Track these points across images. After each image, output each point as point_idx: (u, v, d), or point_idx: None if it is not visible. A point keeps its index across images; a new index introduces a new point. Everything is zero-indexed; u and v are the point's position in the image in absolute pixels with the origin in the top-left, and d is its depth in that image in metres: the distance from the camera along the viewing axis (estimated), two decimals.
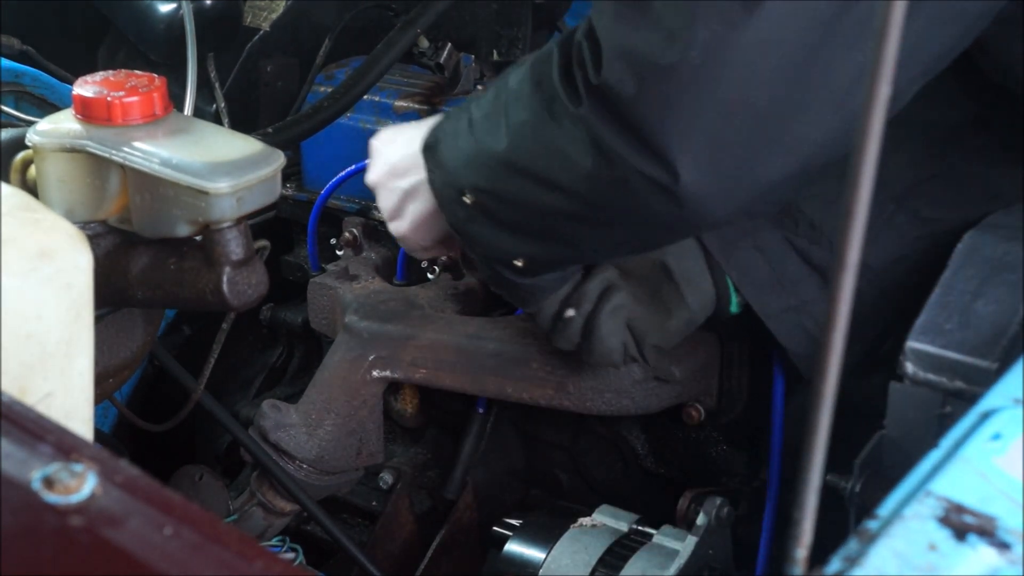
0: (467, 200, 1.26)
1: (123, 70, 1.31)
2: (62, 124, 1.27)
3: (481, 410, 1.76)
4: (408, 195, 1.40)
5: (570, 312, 1.42)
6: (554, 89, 1.14)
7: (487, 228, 1.27)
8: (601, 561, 1.53)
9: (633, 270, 1.43)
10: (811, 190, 1.34)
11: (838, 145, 1.10)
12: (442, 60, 1.88)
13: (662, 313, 1.42)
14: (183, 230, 1.25)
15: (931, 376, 1.13)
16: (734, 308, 1.43)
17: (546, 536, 1.60)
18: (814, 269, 1.37)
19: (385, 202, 1.44)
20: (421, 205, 1.39)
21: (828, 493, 0.97)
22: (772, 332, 1.40)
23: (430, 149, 1.32)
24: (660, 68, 1.05)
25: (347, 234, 1.84)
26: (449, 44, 1.88)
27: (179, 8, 2.02)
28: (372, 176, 1.46)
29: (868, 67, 1.03)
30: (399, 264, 1.78)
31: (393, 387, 1.74)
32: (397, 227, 1.44)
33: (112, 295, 1.30)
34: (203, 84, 1.92)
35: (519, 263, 1.29)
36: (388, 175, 1.43)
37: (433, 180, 1.32)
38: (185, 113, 1.54)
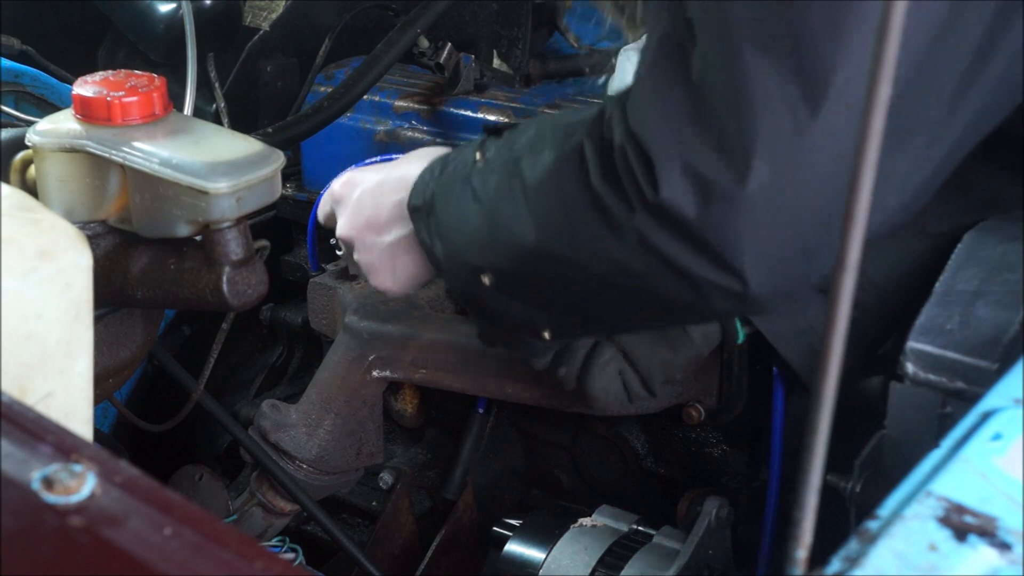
0: (486, 280, 1.21)
1: (123, 70, 1.31)
2: (62, 124, 1.27)
3: (481, 410, 1.76)
4: (393, 251, 1.35)
5: (562, 371, 1.42)
6: (598, 193, 1.08)
7: (510, 303, 1.23)
8: (601, 561, 1.53)
9: None
10: None
11: (890, 225, 1.10)
12: (442, 60, 1.88)
13: (667, 351, 1.42)
14: (183, 230, 1.25)
15: (931, 376, 1.12)
16: (741, 338, 1.43)
17: (546, 536, 1.60)
18: (821, 290, 1.37)
19: (364, 257, 1.39)
20: (410, 260, 1.34)
21: (828, 493, 0.97)
22: (783, 355, 1.38)
23: (421, 212, 1.26)
24: (727, 191, 1.00)
25: None
26: (449, 44, 1.88)
27: (179, 8, 2.02)
28: (344, 230, 1.39)
29: (922, 154, 1.04)
30: None
31: (393, 387, 1.74)
32: (381, 282, 1.39)
33: (112, 295, 1.30)
34: (203, 84, 1.92)
35: (547, 334, 1.24)
36: (364, 229, 1.37)
37: (431, 246, 1.27)
38: (185, 113, 1.54)
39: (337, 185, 1.42)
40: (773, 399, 1.52)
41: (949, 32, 1.00)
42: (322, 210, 1.46)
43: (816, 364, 1.38)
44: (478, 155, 1.23)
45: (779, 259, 1.05)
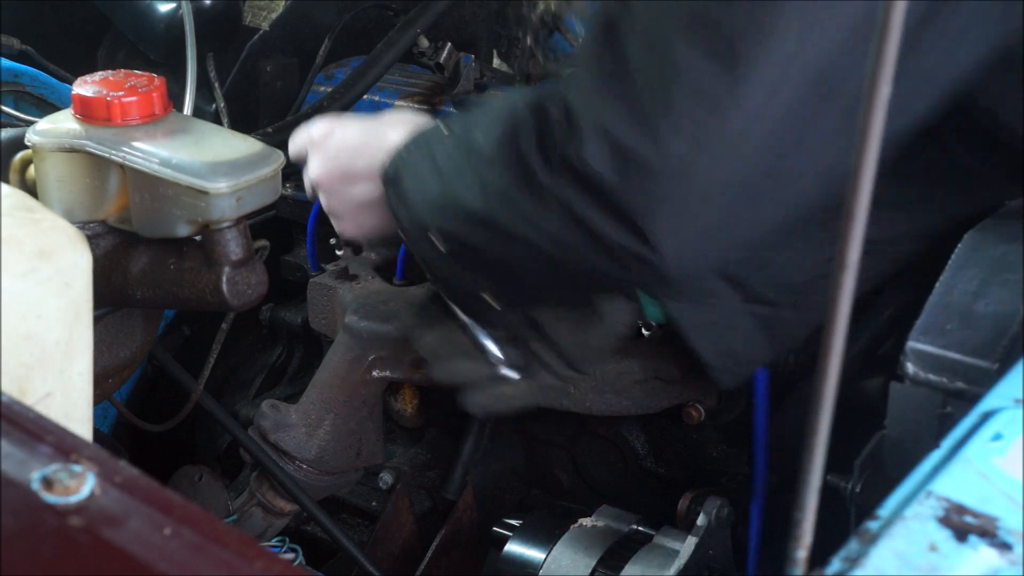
0: (435, 240, 1.25)
1: (123, 70, 1.31)
2: (61, 124, 1.27)
3: None
4: (361, 207, 1.37)
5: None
6: (529, 160, 1.14)
7: (455, 267, 1.27)
8: (601, 561, 1.53)
9: None
10: None
11: (818, 208, 1.11)
12: (442, 60, 1.88)
13: (584, 328, 1.42)
14: (183, 230, 1.25)
15: (932, 376, 1.12)
16: (654, 315, 1.43)
17: (546, 536, 1.60)
18: (734, 285, 1.38)
19: (330, 202, 1.41)
20: (376, 218, 1.37)
21: (828, 493, 0.97)
22: (692, 346, 1.40)
23: (392, 181, 1.30)
24: (644, 161, 1.05)
25: None
26: (449, 44, 1.88)
27: (179, 8, 2.02)
28: (316, 174, 1.41)
29: (851, 148, 1.06)
30: (399, 264, 1.78)
31: (393, 387, 1.74)
32: (340, 226, 1.43)
33: (112, 295, 1.30)
34: (203, 84, 1.92)
35: (487, 296, 1.29)
36: (338, 179, 1.39)
37: (397, 213, 1.30)
38: (185, 113, 1.54)
39: (316, 130, 1.42)
40: (755, 391, 1.53)
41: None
42: (294, 146, 1.45)
43: (727, 363, 1.41)
44: (444, 129, 1.27)
45: (694, 233, 1.08)
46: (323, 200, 1.43)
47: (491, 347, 1.41)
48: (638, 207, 1.07)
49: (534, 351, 1.42)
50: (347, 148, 1.39)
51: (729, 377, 1.42)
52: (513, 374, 1.42)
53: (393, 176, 1.30)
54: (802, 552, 0.66)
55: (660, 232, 1.07)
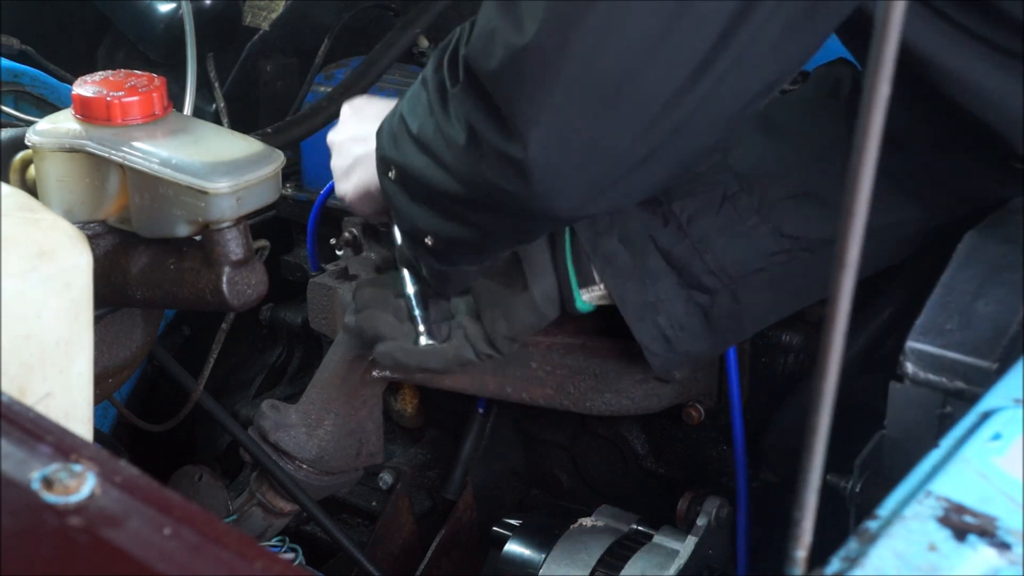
0: (391, 175, 1.31)
1: (123, 70, 1.31)
2: (61, 124, 1.27)
3: (481, 410, 1.76)
4: (357, 162, 1.45)
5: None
6: (444, 75, 1.20)
7: (405, 201, 1.31)
8: (601, 561, 1.53)
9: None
10: (683, 191, 1.38)
11: (694, 132, 1.13)
12: None
13: (510, 305, 1.44)
14: (183, 230, 1.25)
15: (931, 376, 1.12)
16: (579, 304, 1.43)
17: (546, 536, 1.60)
18: (673, 268, 1.39)
19: (337, 161, 1.49)
20: (364, 175, 1.43)
21: (828, 493, 0.97)
22: (628, 325, 1.41)
23: (379, 129, 1.37)
24: (513, 47, 1.08)
25: (347, 234, 1.83)
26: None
27: (179, 8, 2.02)
28: (334, 135, 1.51)
29: (717, 55, 1.07)
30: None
31: (393, 387, 1.74)
32: (341, 188, 1.50)
33: (112, 295, 1.30)
34: (203, 84, 1.92)
35: (429, 241, 1.32)
36: (348, 139, 1.48)
37: (376, 155, 1.37)
38: (185, 113, 1.54)
39: (348, 105, 1.53)
40: (728, 377, 1.53)
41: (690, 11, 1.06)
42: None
43: (663, 347, 1.42)
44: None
45: (559, 125, 1.10)
46: (332, 161, 1.51)
47: (419, 316, 1.46)
48: (507, 92, 1.11)
49: (460, 323, 1.46)
50: (363, 114, 1.48)
51: (663, 362, 1.43)
52: (428, 340, 1.46)
53: (381, 124, 1.36)
54: (802, 552, 0.66)
55: (522, 120, 1.10)
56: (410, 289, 1.47)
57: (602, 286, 1.41)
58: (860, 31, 1.22)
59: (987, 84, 1.20)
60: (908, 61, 1.17)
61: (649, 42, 1.07)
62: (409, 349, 1.47)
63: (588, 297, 1.42)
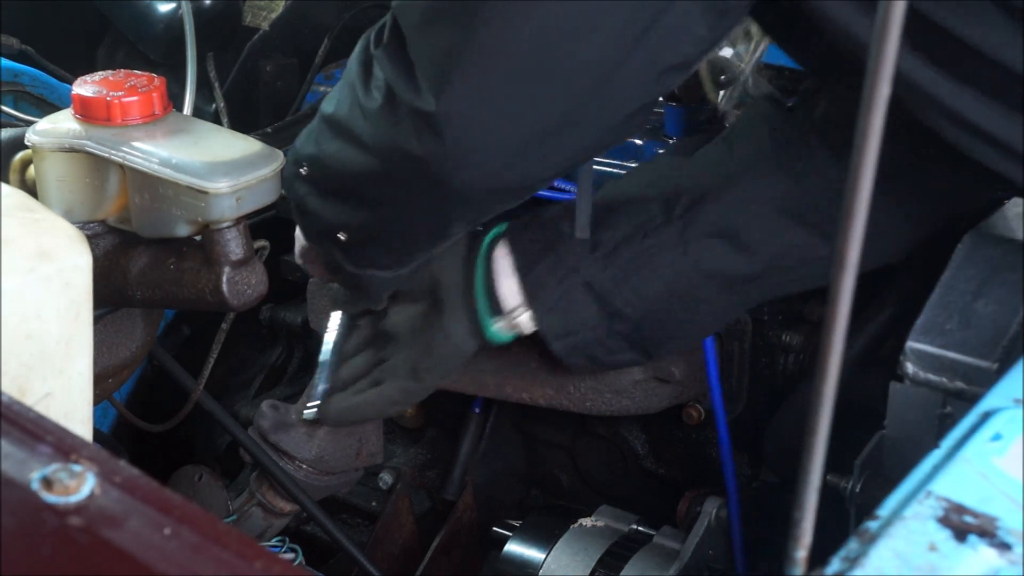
0: (302, 172, 1.31)
1: (122, 70, 1.31)
2: (61, 124, 1.27)
3: (477, 410, 1.76)
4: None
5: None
6: (368, 39, 1.21)
7: (316, 198, 1.31)
8: (601, 561, 1.53)
9: (410, 292, 1.47)
10: (613, 220, 1.39)
11: (618, 104, 1.13)
12: None
13: (430, 339, 1.45)
14: (183, 230, 1.25)
15: (931, 376, 1.13)
16: (490, 334, 1.44)
17: (546, 536, 1.60)
18: (595, 297, 1.40)
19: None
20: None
21: (828, 493, 0.97)
22: (555, 353, 1.43)
23: (290, 151, 1.37)
24: (432, 11, 1.10)
25: None
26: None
27: (179, 8, 2.01)
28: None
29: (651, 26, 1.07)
30: None
31: None
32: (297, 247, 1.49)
33: (111, 295, 1.30)
34: (203, 84, 1.92)
35: (342, 236, 1.31)
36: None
37: (287, 163, 1.36)
38: (184, 113, 1.54)
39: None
40: (707, 370, 1.55)
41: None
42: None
43: (590, 371, 1.44)
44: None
45: (476, 84, 1.10)
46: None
47: (318, 391, 1.53)
48: (423, 46, 1.12)
49: (383, 358, 1.47)
50: None
51: (584, 370, 1.48)
52: (310, 413, 1.52)
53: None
54: (802, 552, 0.66)
55: (435, 74, 1.10)
56: (323, 357, 1.52)
57: (515, 314, 1.42)
58: (793, 28, 1.23)
59: (986, 127, 1.19)
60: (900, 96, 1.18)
61: (582, 15, 1.07)
62: (345, 406, 1.50)
63: (499, 327, 1.43)
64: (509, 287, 1.42)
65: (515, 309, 1.42)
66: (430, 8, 1.11)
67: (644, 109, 1.18)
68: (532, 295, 1.41)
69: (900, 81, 1.15)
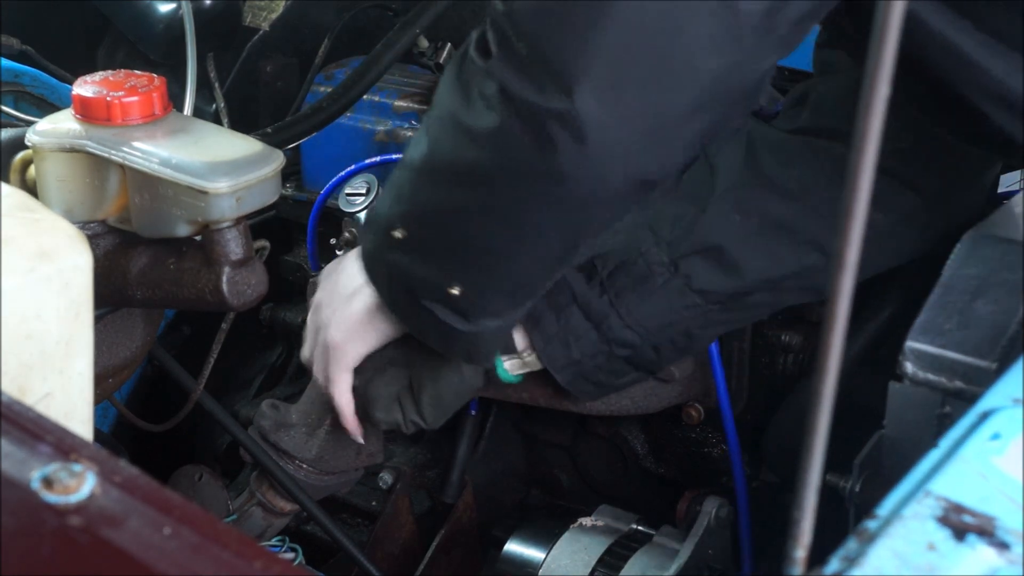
0: (397, 235, 1.26)
1: (123, 70, 1.31)
2: (61, 124, 1.27)
3: (473, 411, 1.76)
4: (355, 292, 1.39)
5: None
6: (469, 61, 1.15)
7: (417, 261, 1.27)
8: (601, 561, 1.53)
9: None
10: (606, 245, 1.38)
11: (740, 73, 1.10)
12: (442, 60, 1.88)
13: (438, 372, 1.44)
14: (183, 230, 1.25)
15: (930, 376, 1.13)
16: (500, 372, 1.44)
17: (546, 536, 1.60)
18: (593, 324, 1.40)
19: (326, 312, 1.42)
20: (366, 297, 1.38)
21: (827, 492, 0.97)
22: (561, 383, 1.44)
23: (366, 221, 1.35)
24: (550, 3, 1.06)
25: (346, 234, 1.84)
26: (449, 44, 1.88)
27: (179, 8, 2.01)
28: (317, 297, 1.45)
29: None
30: None
31: None
32: (329, 336, 1.42)
33: (111, 295, 1.30)
34: (203, 84, 1.92)
35: (455, 291, 1.26)
36: (331, 287, 1.41)
37: (365, 247, 1.32)
38: (185, 113, 1.54)
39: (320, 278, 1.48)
40: (712, 371, 1.55)
41: None
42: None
43: (596, 397, 1.46)
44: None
45: (607, 73, 1.06)
46: (308, 335, 1.47)
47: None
48: (554, 45, 1.07)
49: (400, 401, 1.45)
50: (336, 270, 1.42)
51: (591, 398, 1.50)
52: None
53: (368, 215, 1.34)
54: (801, 551, 0.66)
55: (572, 71, 1.05)
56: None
57: (524, 354, 1.42)
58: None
59: (992, 73, 1.19)
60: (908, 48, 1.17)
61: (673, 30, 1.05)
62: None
63: (509, 365, 1.43)
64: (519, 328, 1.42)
65: (526, 349, 1.43)
66: (547, 6, 1.07)
67: (771, 69, 1.15)
68: (532, 326, 1.41)
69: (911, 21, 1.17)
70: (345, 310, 1.40)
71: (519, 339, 1.43)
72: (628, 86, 1.08)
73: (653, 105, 1.09)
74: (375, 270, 1.34)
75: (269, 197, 1.28)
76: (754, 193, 1.38)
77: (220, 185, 1.21)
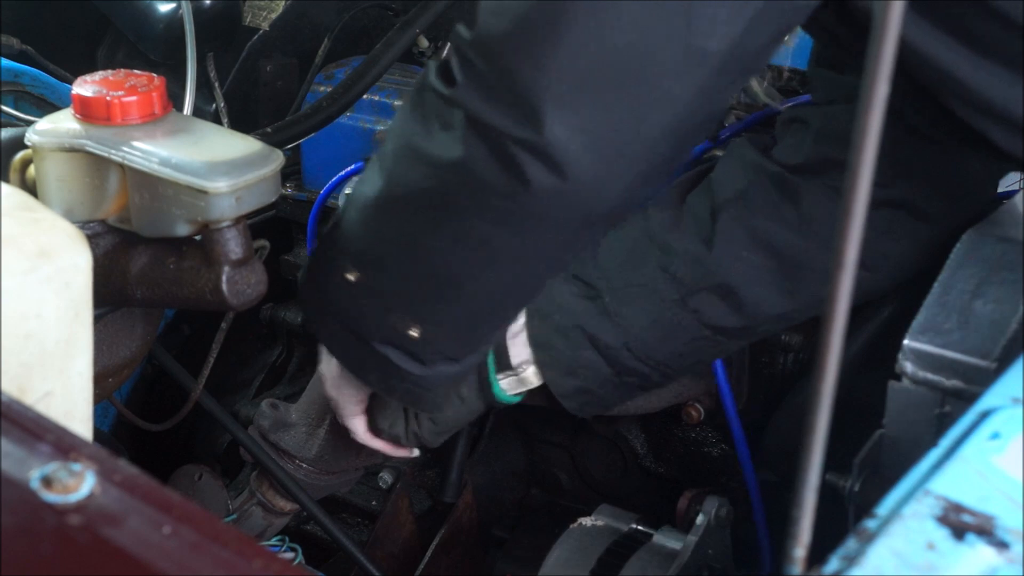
0: (350, 277, 1.24)
1: (122, 70, 1.31)
2: (61, 124, 1.27)
3: None
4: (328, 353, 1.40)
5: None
6: (429, 91, 1.12)
7: (373, 303, 1.25)
8: (601, 561, 1.53)
9: None
10: (613, 277, 1.38)
11: (708, 99, 1.09)
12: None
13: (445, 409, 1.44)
14: (182, 229, 1.25)
15: (930, 375, 1.13)
16: (496, 391, 1.44)
17: (546, 536, 1.59)
18: (602, 356, 1.40)
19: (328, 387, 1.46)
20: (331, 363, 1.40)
21: (827, 492, 0.97)
22: (568, 410, 1.45)
23: (307, 268, 1.33)
24: (523, 16, 1.03)
25: None
26: (449, 44, 1.88)
27: (179, 8, 2.02)
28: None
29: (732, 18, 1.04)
30: None
31: None
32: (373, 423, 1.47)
33: (111, 294, 1.30)
34: (203, 84, 1.92)
35: (414, 332, 1.23)
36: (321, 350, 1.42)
37: (307, 298, 1.32)
38: (184, 113, 1.54)
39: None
40: (717, 380, 1.56)
41: None
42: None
43: (600, 410, 1.46)
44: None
45: (574, 98, 1.05)
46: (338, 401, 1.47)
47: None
48: (520, 67, 1.04)
49: (405, 413, 1.45)
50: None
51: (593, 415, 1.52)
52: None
53: (308, 262, 1.32)
54: (800, 551, 0.66)
55: (540, 99, 1.03)
56: None
57: (520, 369, 1.42)
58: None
59: (987, 92, 1.19)
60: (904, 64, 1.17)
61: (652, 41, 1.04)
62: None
63: (506, 384, 1.43)
64: (518, 342, 1.42)
65: (521, 364, 1.42)
66: (514, 32, 1.05)
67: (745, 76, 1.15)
68: (538, 350, 1.41)
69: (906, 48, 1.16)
70: (329, 364, 1.42)
71: (514, 352, 1.42)
72: (597, 112, 1.06)
73: (623, 131, 1.08)
74: (318, 317, 1.32)
75: (269, 197, 1.28)
76: (762, 228, 1.36)
77: (220, 185, 1.20)
